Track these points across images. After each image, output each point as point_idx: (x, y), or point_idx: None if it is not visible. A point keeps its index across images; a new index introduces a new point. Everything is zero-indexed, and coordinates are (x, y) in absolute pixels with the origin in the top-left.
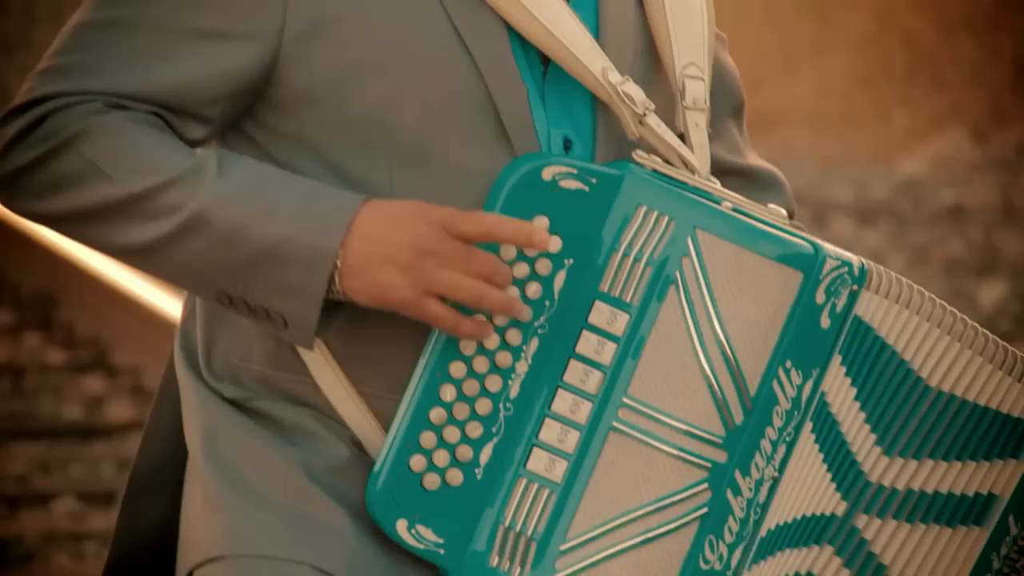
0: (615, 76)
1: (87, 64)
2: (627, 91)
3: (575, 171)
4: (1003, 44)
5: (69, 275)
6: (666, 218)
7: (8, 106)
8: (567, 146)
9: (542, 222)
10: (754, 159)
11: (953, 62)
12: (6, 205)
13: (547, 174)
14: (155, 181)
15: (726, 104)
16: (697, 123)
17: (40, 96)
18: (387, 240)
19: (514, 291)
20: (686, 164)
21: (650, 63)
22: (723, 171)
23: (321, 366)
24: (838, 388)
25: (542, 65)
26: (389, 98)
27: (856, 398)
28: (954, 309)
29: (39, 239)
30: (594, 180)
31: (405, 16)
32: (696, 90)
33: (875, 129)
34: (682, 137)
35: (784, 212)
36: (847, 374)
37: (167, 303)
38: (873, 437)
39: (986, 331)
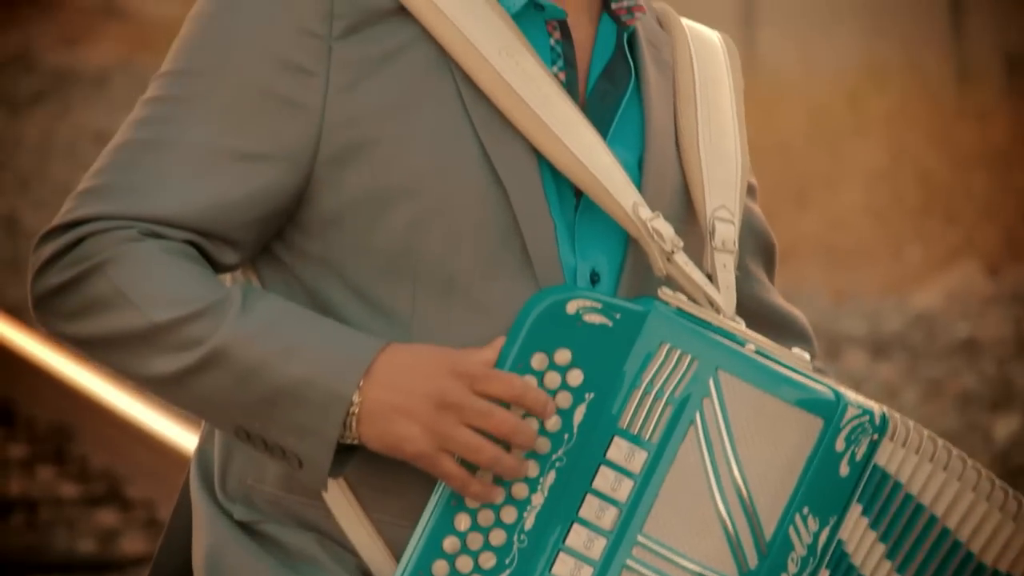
0: (645, 212)
1: (125, 185)
2: (656, 227)
3: (599, 306)
4: (1016, 179)
5: (83, 409)
6: (688, 357)
7: (47, 226)
8: (594, 280)
9: (564, 356)
10: (783, 302)
11: (966, 196)
12: (40, 324)
13: (571, 307)
14: (179, 313)
15: (755, 247)
16: (725, 264)
17: (78, 218)
18: (407, 390)
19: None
20: (712, 303)
21: (684, 203)
22: (755, 311)
23: (334, 490)
24: (860, 538)
25: (575, 196)
26: (417, 224)
27: (888, 557)
28: (974, 461)
29: (53, 373)
30: (618, 315)
31: (438, 143)
32: (726, 232)
33: (888, 262)
34: (711, 277)
35: (807, 356)
36: (871, 526)
37: (181, 437)
38: None
39: (1001, 482)
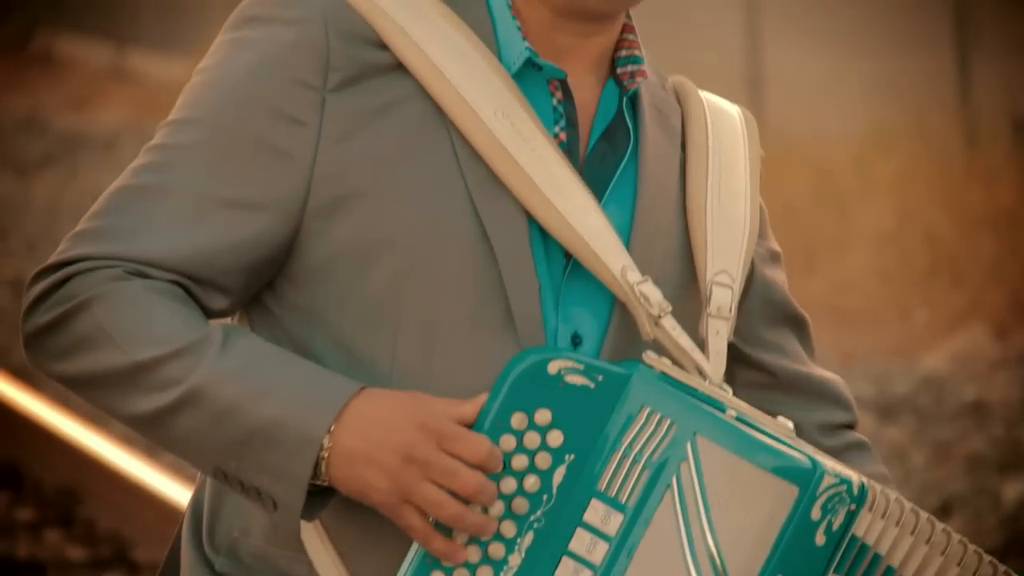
0: (633, 275)
1: (116, 228)
2: (644, 291)
3: (581, 367)
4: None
5: (90, 471)
6: (668, 421)
7: (40, 265)
8: (576, 342)
9: (544, 416)
10: (818, 370)
11: (974, 259)
12: (31, 364)
13: (553, 368)
14: (159, 352)
15: (775, 317)
16: (718, 331)
17: (68, 258)
18: (375, 440)
19: (511, 483)
20: (699, 370)
21: (685, 268)
22: (785, 382)
23: (316, 545)
24: None
25: (565, 258)
26: (401, 277)
27: None
28: (961, 536)
29: (61, 435)
30: (600, 377)
31: (428, 197)
32: (722, 298)
33: (896, 325)
34: (704, 343)
35: (791, 425)
36: None
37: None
38: None
39: (990, 557)
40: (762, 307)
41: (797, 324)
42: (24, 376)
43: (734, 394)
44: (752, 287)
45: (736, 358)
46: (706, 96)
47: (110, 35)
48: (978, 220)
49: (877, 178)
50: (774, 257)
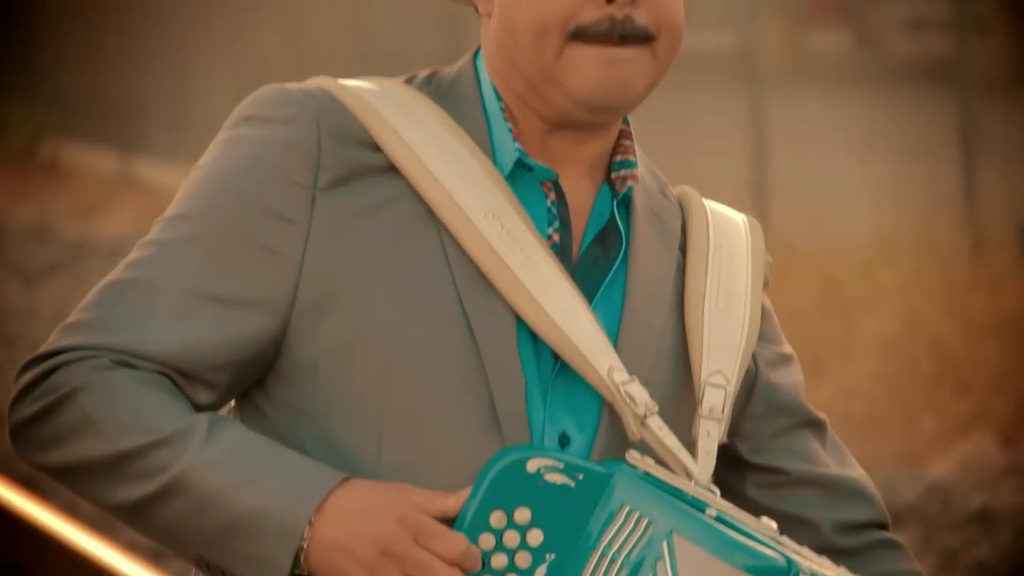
0: (620, 375)
1: (104, 321)
2: (630, 391)
3: (561, 465)
4: None
5: None
6: (646, 520)
7: (30, 355)
8: (563, 442)
9: (523, 515)
10: (838, 469)
11: (979, 367)
12: (17, 454)
13: (532, 466)
14: (144, 440)
15: (780, 419)
16: (709, 432)
17: (56, 349)
18: (354, 531)
19: None
20: (687, 471)
21: (679, 370)
22: (793, 478)
23: None
24: None
25: (553, 358)
26: (387, 375)
27: None
28: None
29: (67, 543)
30: (581, 476)
31: (416, 296)
32: (714, 399)
33: (902, 433)
34: (694, 443)
35: (774, 525)
36: None
37: None
38: None
39: None
40: (767, 411)
41: (811, 426)
42: (30, 484)
43: (746, 495)
44: (756, 391)
45: (745, 462)
46: (710, 204)
47: (116, 144)
48: (984, 327)
49: (882, 285)
50: (783, 360)
